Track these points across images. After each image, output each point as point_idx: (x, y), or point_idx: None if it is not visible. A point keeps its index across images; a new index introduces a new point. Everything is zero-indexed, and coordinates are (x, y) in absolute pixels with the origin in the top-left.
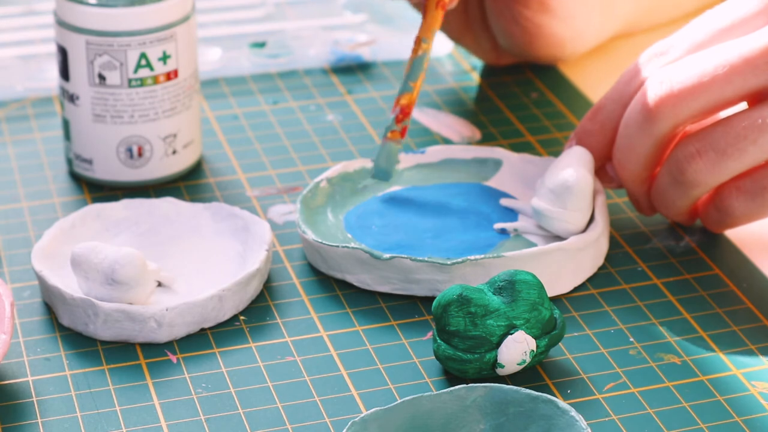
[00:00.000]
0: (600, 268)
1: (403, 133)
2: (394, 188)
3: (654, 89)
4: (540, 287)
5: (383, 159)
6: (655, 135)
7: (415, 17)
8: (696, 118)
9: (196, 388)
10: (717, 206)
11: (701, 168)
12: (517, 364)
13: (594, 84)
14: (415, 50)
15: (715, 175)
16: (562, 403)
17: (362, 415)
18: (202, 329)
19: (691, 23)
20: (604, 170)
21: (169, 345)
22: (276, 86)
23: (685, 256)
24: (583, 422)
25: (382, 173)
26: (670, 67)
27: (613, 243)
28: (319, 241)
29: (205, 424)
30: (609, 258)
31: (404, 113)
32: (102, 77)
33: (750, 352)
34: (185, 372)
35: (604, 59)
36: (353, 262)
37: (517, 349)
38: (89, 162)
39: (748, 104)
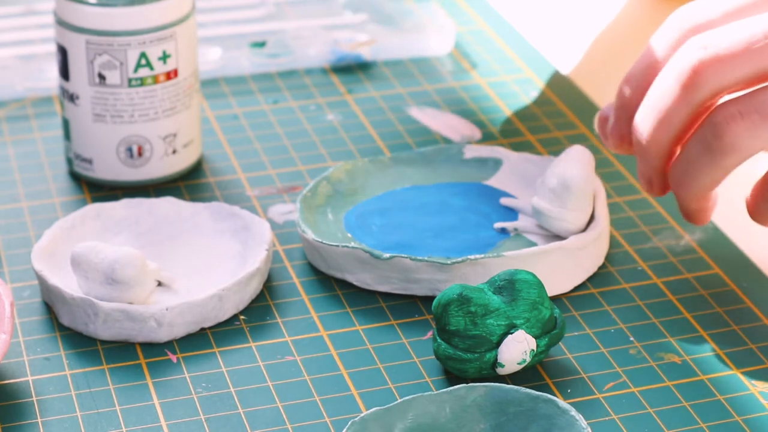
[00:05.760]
0: (600, 268)
1: None
2: (394, 188)
3: (695, 54)
4: (540, 286)
5: None
6: (693, 103)
7: (414, 17)
8: (739, 86)
9: (196, 388)
10: None
11: (741, 132)
12: (517, 364)
13: (594, 83)
14: None
15: (755, 140)
16: (562, 403)
17: (362, 415)
18: (202, 329)
19: None
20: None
21: (169, 345)
22: (276, 86)
23: (685, 256)
24: (583, 422)
25: None
26: (713, 32)
27: (613, 242)
28: (319, 240)
29: (205, 424)
30: (609, 257)
31: None
32: (102, 77)
33: (750, 352)
34: (185, 372)
35: (604, 59)
36: (353, 262)
37: (517, 349)
38: (89, 162)
39: None
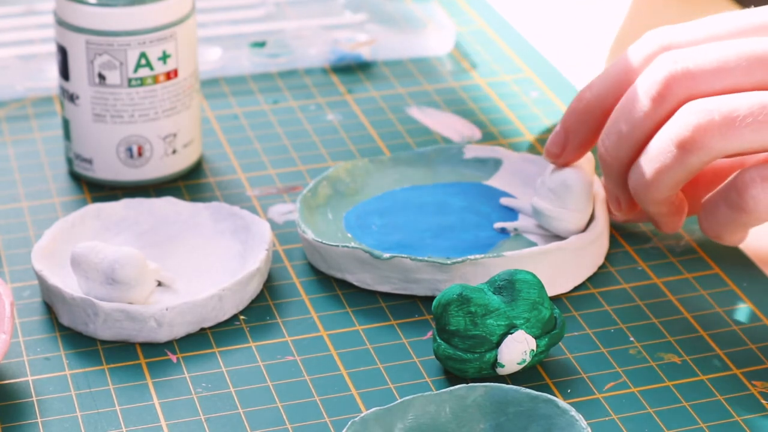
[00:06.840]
0: (600, 268)
1: None
2: (394, 188)
3: (666, 67)
4: (540, 286)
5: None
6: (658, 116)
7: (414, 17)
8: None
9: (196, 388)
10: None
11: (712, 131)
12: (517, 364)
13: None
14: None
15: (723, 142)
16: (562, 403)
17: (362, 415)
18: (202, 329)
19: (702, 20)
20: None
21: (169, 345)
22: (276, 86)
23: (685, 256)
24: (583, 422)
25: None
26: (686, 49)
27: (613, 242)
28: (319, 240)
29: (205, 424)
30: (609, 257)
31: None
32: (102, 77)
33: (750, 352)
34: (185, 372)
35: (604, 59)
36: (353, 262)
37: (517, 349)
38: (89, 162)
39: None
